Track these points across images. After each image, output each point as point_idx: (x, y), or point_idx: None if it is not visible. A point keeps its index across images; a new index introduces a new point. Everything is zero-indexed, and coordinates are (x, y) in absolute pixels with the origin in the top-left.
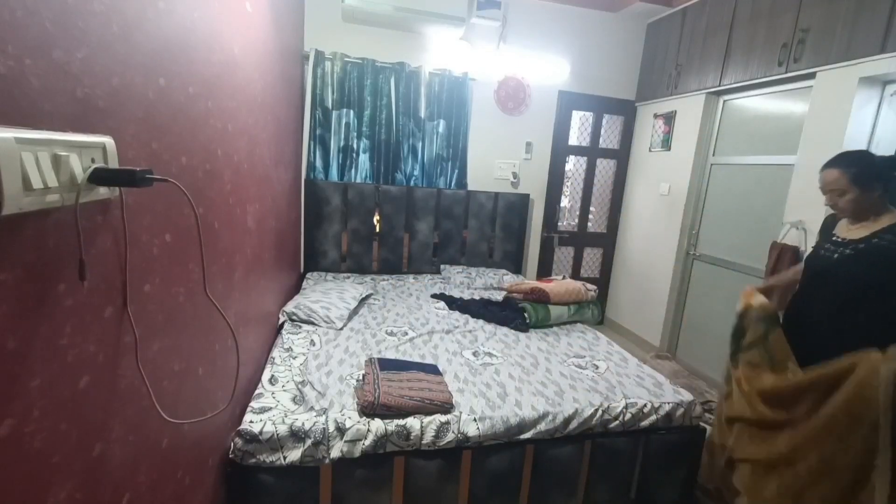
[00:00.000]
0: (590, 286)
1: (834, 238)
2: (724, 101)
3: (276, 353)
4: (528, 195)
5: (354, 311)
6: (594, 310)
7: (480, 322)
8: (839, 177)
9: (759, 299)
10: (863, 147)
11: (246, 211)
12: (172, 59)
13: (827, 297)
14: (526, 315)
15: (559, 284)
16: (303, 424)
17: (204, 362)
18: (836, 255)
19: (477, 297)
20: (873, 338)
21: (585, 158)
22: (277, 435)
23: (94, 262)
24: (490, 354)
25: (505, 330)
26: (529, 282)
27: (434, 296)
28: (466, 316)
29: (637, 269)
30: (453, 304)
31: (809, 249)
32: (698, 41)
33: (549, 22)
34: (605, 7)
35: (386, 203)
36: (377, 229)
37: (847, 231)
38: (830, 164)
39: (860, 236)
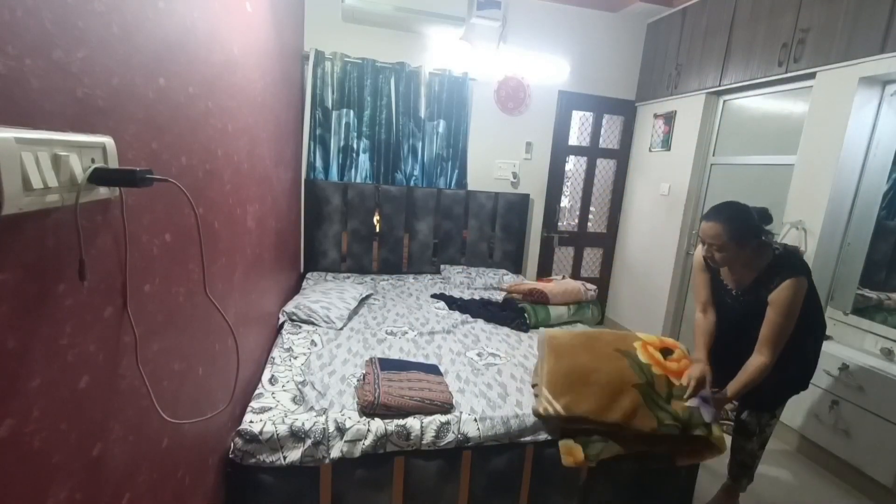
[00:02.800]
0: (589, 286)
1: (727, 287)
2: (724, 101)
3: (276, 353)
4: (528, 195)
5: (354, 311)
6: (594, 310)
7: (480, 322)
8: (720, 232)
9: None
10: (862, 148)
11: (246, 211)
12: (172, 59)
13: (727, 321)
14: (526, 316)
15: (558, 285)
16: (303, 424)
17: (204, 362)
18: (737, 306)
19: (477, 298)
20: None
21: (585, 158)
22: (277, 435)
23: (94, 262)
24: (494, 355)
25: (506, 330)
26: (529, 282)
27: (434, 296)
28: (466, 315)
29: (637, 269)
30: (453, 303)
31: (808, 249)
32: (698, 41)
33: (549, 22)
34: (605, 7)
35: (386, 203)
36: (377, 229)
37: (734, 280)
38: (711, 216)
39: (746, 287)
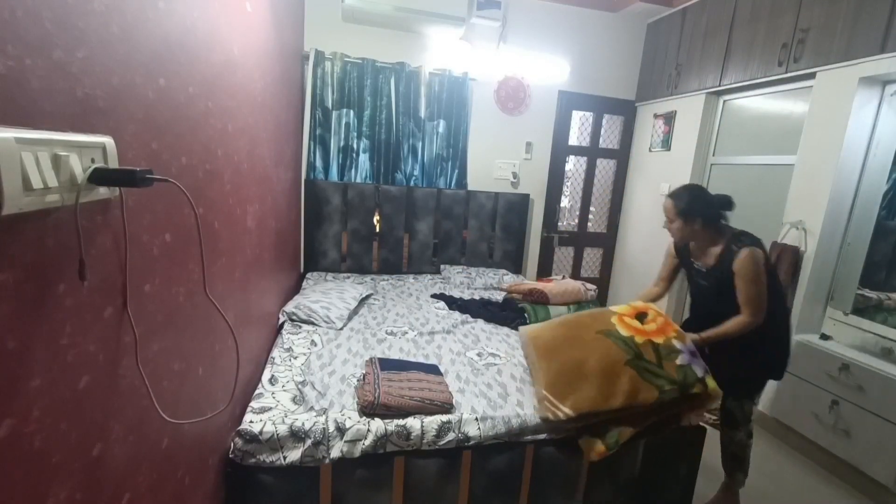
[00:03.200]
0: (589, 286)
1: (696, 267)
2: (724, 101)
3: (276, 353)
4: (528, 195)
5: (354, 311)
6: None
7: (480, 322)
8: (670, 206)
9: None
10: (862, 148)
11: (246, 211)
12: (172, 58)
13: (705, 306)
14: (526, 316)
15: (559, 285)
16: (303, 424)
17: (204, 362)
18: (704, 283)
19: (477, 298)
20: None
21: (585, 158)
22: (277, 435)
23: (94, 262)
24: (494, 355)
25: (506, 330)
26: (529, 282)
27: (434, 296)
28: (466, 315)
29: (637, 269)
30: (453, 303)
31: (808, 249)
32: (698, 41)
33: (549, 22)
34: (605, 7)
35: (386, 203)
36: (377, 229)
37: (700, 260)
38: (670, 193)
39: (711, 265)
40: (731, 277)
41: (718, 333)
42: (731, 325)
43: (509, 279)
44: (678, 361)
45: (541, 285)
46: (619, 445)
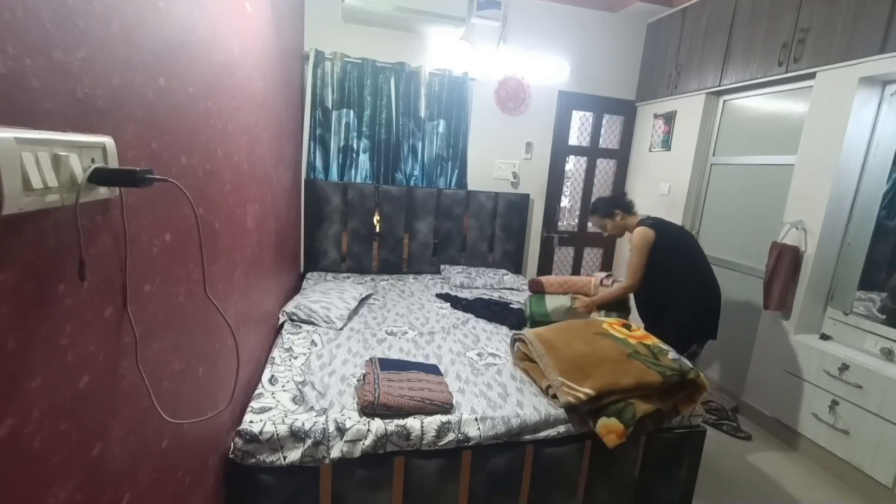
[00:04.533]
0: (600, 274)
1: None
2: (724, 101)
3: (276, 353)
4: (528, 195)
5: (354, 311)
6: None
7: (481, 322)
8: (596, 220)
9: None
10: (862, 148)
11: (246, 211)
12: (172, 58)
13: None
14: (523, 308)
15: (564, 278)
16: (303, 424)
17: (204, 362)
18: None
19: (485, 297)
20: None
21: (585, 158)
22: (277, 435)
23: (94, 262)
24: (494, 355)
25: (506, 330)
26: (554, 277)
27: (438, 295)
28: (468, 315)
29: None
30: (457, 303)
31: (808, 249)
32: (698, 41)
33: (549, 22)
34: (605, 7)
35: (386, 203)
36: (377, 229)
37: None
38: (589, 213)
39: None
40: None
41: (603, 297)
42: (614, 290)
43: (509, 279)
44: (670, 356)
45: (550, 278)
46: (635, 421)
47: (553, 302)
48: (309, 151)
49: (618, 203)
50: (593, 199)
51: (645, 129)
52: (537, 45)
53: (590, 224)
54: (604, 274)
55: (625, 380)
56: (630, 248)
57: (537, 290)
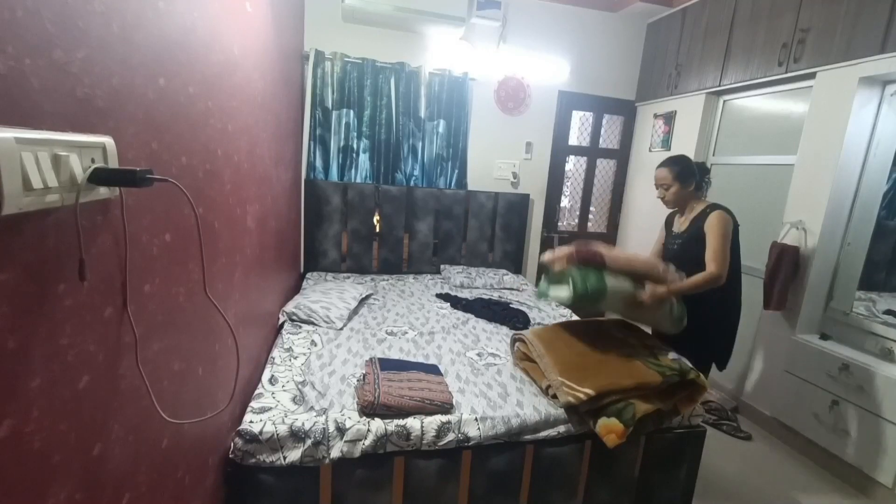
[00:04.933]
0: (675, 269)
1: (673, 233)
2: (724, 101)
3: (276, 353)
4: (528, 195)
5: (354, 311)
6: (675, 306)
7: (481, 322)
8: (667, 173)
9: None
10: (862, 148)
11: (246, 211)
12: (172, 58)
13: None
14: (570, 285)
15: (633, 259)
16: (303, 424)
17: (204, 362)
18: (674, 247)
19: (484, 297)
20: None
21: (585, 158)
22: (277, 435)
23: (94, 262)
24: (494, 355)
25: (506, 330)
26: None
27: (438, 295)
28: (468, 315)
29: None
30: (458, 303)
31: (808, 249)
32: (698, 41)
33: (549, 22)
34: (605, 7)
35: (386, 203)
36: (377, 229)
37: (679, 226)
38: (662, 164)
39: (683, 230)
40: (699, 238)
41: (687, 286)
42: (700, 278)
43: (509, 279)
44: (670, 356)
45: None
46: (635, 421)
47: (614, 282)
48: (309, 151)
49: (701, 176)
50: (679, 153)
51: (645, 129)
52: (537, 45)
53: (657, 176)
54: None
55: (625, 380)
56: (709, 231)
57: (594, 261)
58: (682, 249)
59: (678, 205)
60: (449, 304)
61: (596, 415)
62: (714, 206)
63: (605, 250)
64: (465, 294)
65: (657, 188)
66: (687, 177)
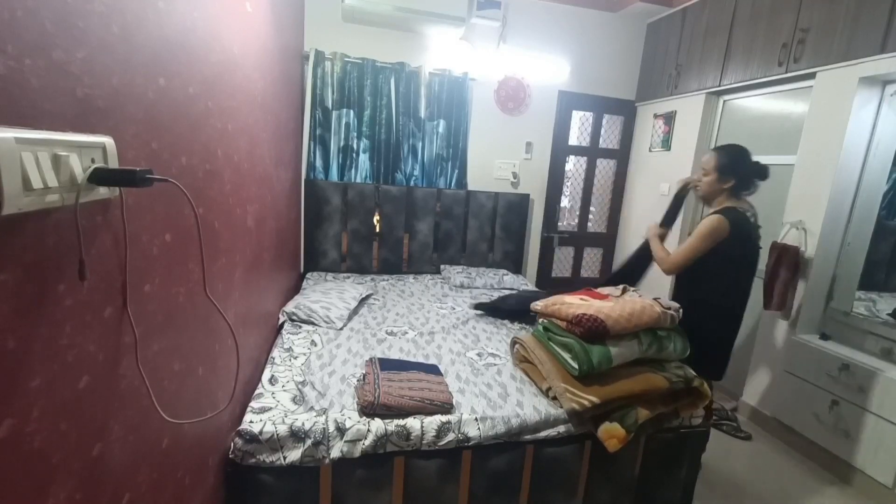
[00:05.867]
0: (669, 303)
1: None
2: (724, 101)
3: (276, 353)
4: (528, 195)
5: (354, 311)
6: (678, 341)
7: (482, 322)
8: (711, 159)
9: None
10: (862, 148)
11: (246, 211)
12: (172, 58)
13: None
14: (574, 363)
15: (620, 304)
16: (303, 424)
17: (204, 362)
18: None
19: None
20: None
21: (585, 158)
22: (277, 435)
23: (94, 262)
24: (494, 355)
25: (505, 330)
26: (570, 299)
27: (478, 306)
28: (467, 315)
29: None
30: (497, 311)
31: (808, 249)
32: (698, 41)
33: (549, 22)
34: (605, 7)
35: (386, 203)
36: (377, 229)
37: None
38: (714, 148)
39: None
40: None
41: (653, 247)
42: (657, 250)
43: (509, 279)
44: (674, 363)
45: (592, 302)
46: (637, 426)
47: (619, 350)
48: (309, 151)
49: (747, 175)
50: (733, 142)
51: (645, 129)
52: (537, 45)
53: (703, 158)
54: (615, 289)
55: (630, 386)
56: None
57: (596, 334)
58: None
59: (707, 197)
60: (485, 312)
61: (598, 420)
62: (727, 211)
63: (606, 316)
64: (464, 294)
65: (702, 170)
66: (729, 171)
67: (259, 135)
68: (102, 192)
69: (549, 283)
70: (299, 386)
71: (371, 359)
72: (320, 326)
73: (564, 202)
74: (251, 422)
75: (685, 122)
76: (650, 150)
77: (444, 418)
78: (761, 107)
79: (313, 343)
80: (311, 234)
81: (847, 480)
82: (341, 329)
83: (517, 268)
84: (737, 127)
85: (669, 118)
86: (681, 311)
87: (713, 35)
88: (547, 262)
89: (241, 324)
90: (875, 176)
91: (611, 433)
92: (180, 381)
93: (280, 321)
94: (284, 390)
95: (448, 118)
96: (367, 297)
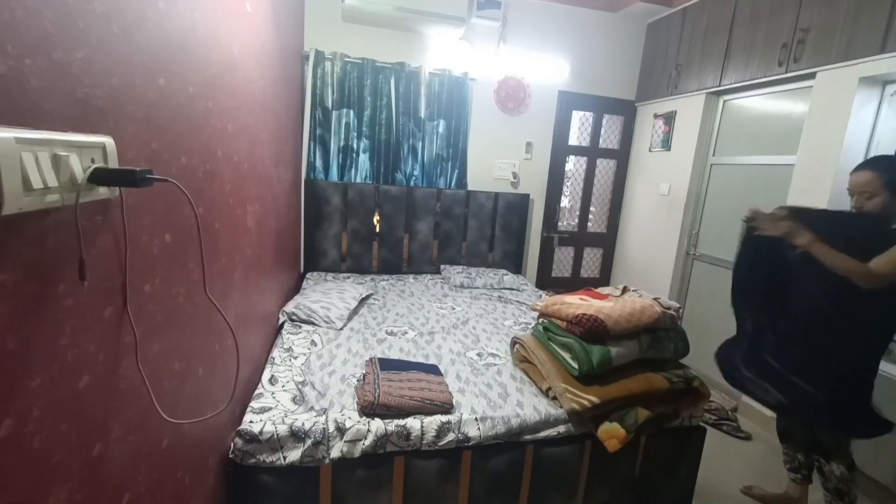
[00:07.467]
0: (669, 303)
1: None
2: (724, 101)
3: (276, 353)
4: (528, 195)
5: (354, 311)
6: (678, 342)
7: (482, 322)
8: (872, 179)
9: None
10: (862, 148)
11: (246, 211)
12: (172, 58)
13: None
14: (574, 363)
15: (620, 304)
16: (303, 424)
17: (204, 362)
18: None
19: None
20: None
21: (585, 158)
22: (277, 435)
23: (94, 262)
24: (494, 355)
25: (505, 330)
26: (571, 299)
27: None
28: (468, 315)
29: (637, 270)
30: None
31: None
32: (698, 41)
33: (549, 22)
34: (605, 7)
35: (386, 203)
36: (377, 229)
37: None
38: (863, 166)
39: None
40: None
41: (832, 255)
42: (849, 261)
43: (509, 279)
44: (674, 364)
45: (592, 302)
46: (637, 426)
47: (619, 349)
48: (309, 151)
49: None
50: (880, 156)
51: (645, 129)
52: (537, 45)
53: (855, 181)
54: (614, 288)
55: (630, 386)
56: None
57: (596, 334)
58: (853, 290)
59: (878, 215)
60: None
61: (598, 420)
62: None
63: (606, 316)
64: (464, 294)
65: (852, 196)
66: None
67: (259, 135)
68: (102, 192)
69: (549, 284)
70: (299, 386)
71: (371, 359)
72: (320, 326)
73: (564, 202)
74: (251, 422)
75: (685, 122)
76: (650, 151)
77: (444, 418)
78: (761, 107)
79: (313, 343)
80: (311, 234)
81: None
82: (341, 329)
83: (517, 268)
84: (737, 127)
85: (669, 118)
86: (679, 312)
87: (713, 35)
88: (547, 262)
89: (241, 324)
90: None
91: (611, 433)
92: (180, 381)
93: (280, 321)
94: (284, 390)
95: (448, 118)
96: (367, 297)
